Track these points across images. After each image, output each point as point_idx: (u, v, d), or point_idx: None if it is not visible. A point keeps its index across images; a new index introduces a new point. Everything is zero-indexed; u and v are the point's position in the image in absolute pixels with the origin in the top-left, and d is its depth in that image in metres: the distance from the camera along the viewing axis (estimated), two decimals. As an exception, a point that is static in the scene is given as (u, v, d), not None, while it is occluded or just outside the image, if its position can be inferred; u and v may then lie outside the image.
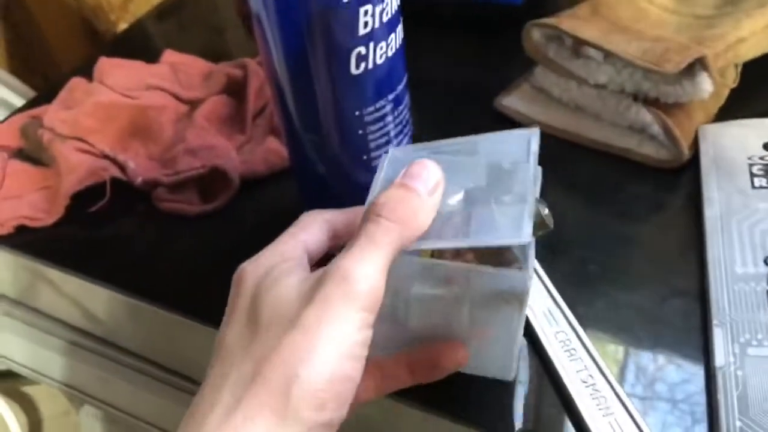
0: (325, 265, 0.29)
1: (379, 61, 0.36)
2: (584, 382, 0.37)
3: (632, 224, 0.47)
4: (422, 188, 0.29)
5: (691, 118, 0.49)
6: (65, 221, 0.52)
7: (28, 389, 0.90)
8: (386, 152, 0.34)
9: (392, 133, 0.39)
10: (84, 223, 0.52)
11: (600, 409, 0.35)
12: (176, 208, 0.52)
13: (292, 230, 0.33)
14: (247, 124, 0.55)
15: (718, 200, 0.45)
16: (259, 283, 0.30)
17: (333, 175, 0.41)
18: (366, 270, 0.27)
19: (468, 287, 0.32)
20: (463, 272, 0.32)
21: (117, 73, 0.56)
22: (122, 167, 0.53)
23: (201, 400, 0.28)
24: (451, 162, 0.32)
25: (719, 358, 0.37)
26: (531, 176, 0.31)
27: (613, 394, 0.36)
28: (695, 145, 0.49)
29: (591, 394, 0.36)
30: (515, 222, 0.29)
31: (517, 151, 0.32)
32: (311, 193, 0.46)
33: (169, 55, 0.59)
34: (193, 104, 0.56)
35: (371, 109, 0.37)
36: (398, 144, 0.40)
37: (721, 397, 0.35)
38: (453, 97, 0.59)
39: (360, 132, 0.38)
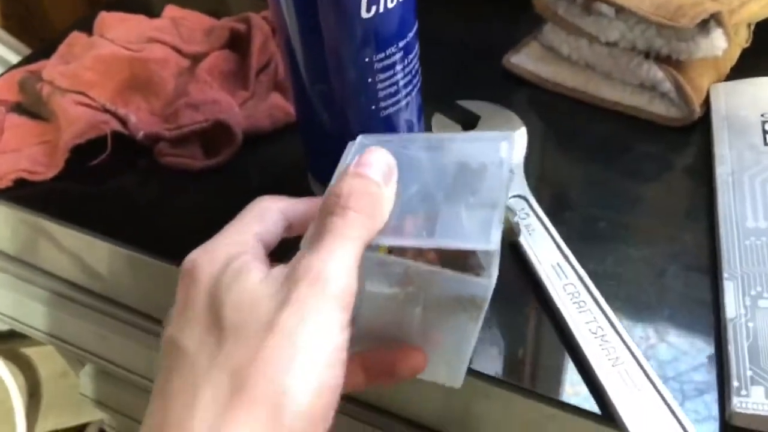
0: (280, 258, 0.28)
1: (390, 5, 0.35)
2: (593, 333, 0.36)
3: (642, 183, 0.47)
4: (378, 177, 0.28)
5: (702, 77, 0.49)
6: (65, 175, 0.52)
7: (26, 350, 0.90)
8: (352, 141, 0.33)
9: (401, 83, 0.38)
10: (84, 177, 0.52)
11: (609, 359, 0.35)
12: (179, 162, 0.51)
13: (245, 219, 0.31)
14: (250, 80, 0.54)
15: (729, 157, 0.45)
16: (216, 279, 0.27)
17: (340, 127, 0.40)
18: (339, 268, 0.26)
19: (424, 289, 0.30)
20: (425, 273, 0.29)
21: (118, 27, 0.55)
22: (123, 121, 0.52)
23: (168, 418, 0.25)
24: (418, 159, 0.31)
25: (730, 311, 0.37)
26: (503, 182, 0.30)
27: (623, 345, 0.36)
28: (706, 104, 0.49)
29: (600, 345, 0.36)
30: (484, 227, 0.28)
31: (489, 154, 0.31)
32: (316, 147, 0.45)
33: (171, 10, 0.58)
34: (195, 59, 0.55)
35: (381, 55, 0.36)
36: (408, 93, 0.40)
37: (731, 348, 0.35)
38: (461, 56, 0.58)
39: (369, 80, 0.37)
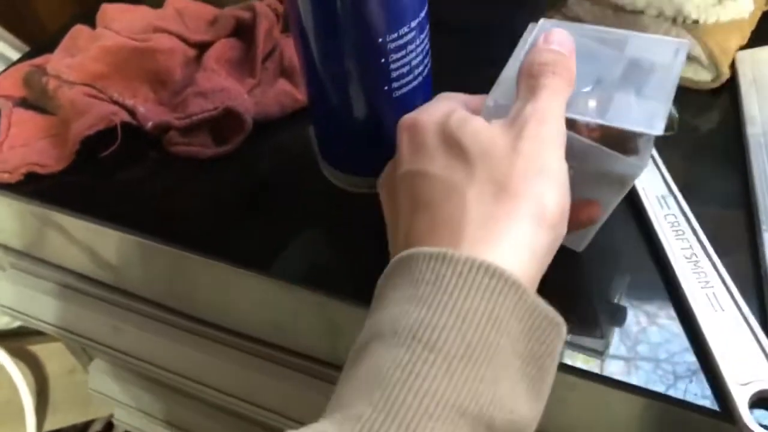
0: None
1: None
2: (687, 258, 0.40)
3: (673, 147, 0.47)
4: (567, 53, 0.33)
5: (729, 40, 0.50)
6: (75, 168, 0.52)
7: (34, 348, 0.90)
8: (533, 23, 0.37)
9: (414, 63, 0.39)
10: (95, 169, 0.52)
11: (699, 282, 0.39)
12: (190, 151, 0.51)
13: (440, 99, 0.35)
14: (256, 67, 0.54)
15: (759, 119, 0.47)
16: (442, 124, 0.31)
17: (353, 110, 0.41)
18: (558, 114, 0.31)
19: (582, 161, 0.34)
20: (588, 148, 0.34)
21: (122, 18, 0.55)
22: (132, 112, 0.53)
23: (436, 218, 0.29)
24: (595, 48, 0.36)
25: None
26: (672, 81, 0.34)
27: (715, 272, 0.39)
28: (732, 68, 0.51)
29: (692, 269, 0.39)
30: (652, 114, 0.33)
31: (660, 54, 0.35)
32: (328, 131, 0.45)
33: (174, 1, 0.58)
34: (201, 47, 0.55)
35: (395, 35, 0.37)
36: (420, 74, 0.40)
37: None
38: (480, 36, 0.58)
39: (383, 60, 0.37)
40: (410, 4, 0.36)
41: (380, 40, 0.37)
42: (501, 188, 0.29)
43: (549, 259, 0.30)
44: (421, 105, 0.34)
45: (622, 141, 0.35)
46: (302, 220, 0.47)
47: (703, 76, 0.51)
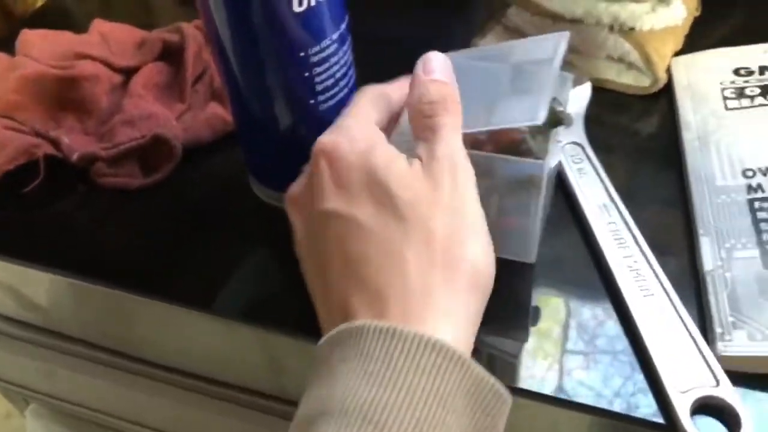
0: None
1: None
2: (629, 267, 0.39)
3: (613, 152, 0.48)
4: (448, 79, 0.33)
5: (665, 45, 0.51)
6: (-3, 204, 0.49)
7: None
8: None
9: (338, 75, 0.38)
10: (18, 205, 0.49)
11: (641, 290, 0.38)
12: (117, 182, 0.49)
13: (361, 105, 0.33)
14: (186, 91, 0.52)
15: (694, 123, 0.47)
16: (367, 163, 0.30)
17: (279, 125, 0.40)
18: (462, 152, 0.32)
19: (496, 178, 0.36)
20: (497, 161, 0.36)
21: (42, 44, 0.53)
22: (56, 143, 0.50)
23: (379, 282, 0.29)
24: (480, 68, 0.37)
25: (708, 263, 0.39)
26: (551, 72, 0.35)
27: (656, 279, 0.38)
28: (669, 75, 0.52)
29: (634, 277, 0.39)
30: (532, 107, 0.33)
31: (543, 51, 0.36)
32: (256, 148, 0.44)
33: (99, 25, 0.56)
34: (127, 73, 0.53)
35: (316, 48, 0.36)
36: (345, 86, 0.39)
37: (712, 298, 0.37)
38: (417, 47, 0.57)
39: (306, 74, 0.36)
40: (330, 16, 0.35)
41: (302, 53, 0.35)
42: (436, 256, 0.29)
43: (480, 318, 0.31)
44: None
45: (516, 144, 0.36)
46: (237, 248, 0.45)
47: (642, 82, 0.52)
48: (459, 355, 0.27)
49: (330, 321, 0.30)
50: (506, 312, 0.40)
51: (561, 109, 0.36)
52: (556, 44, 0.36)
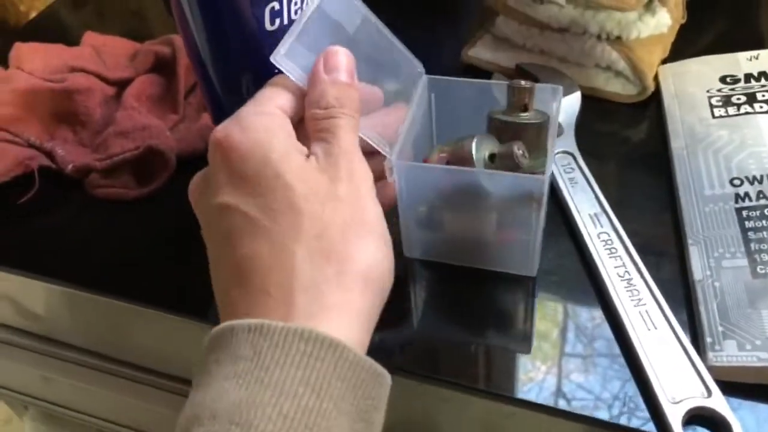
0: None
1: (294, 16, 0.35)
2: (621, 276, 0.40)
3: (603, 161, 0.48)
4: (350, 79, 0.33)
5: (652, 53, 0.52)
6: (-7, 217, 0.49)
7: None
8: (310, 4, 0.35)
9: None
10: (14, 217, 0.50)
11: (632, 300, 0.38)
12: (112, 193, 0.49)
13: (265, 93, 0.33)
14: (179, 103, 0.52)
15: (682, 132, 0.47)
16: (264, 155, 0.30)
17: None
18: (359, 153, 0.32)
19: (495, 194, 0.37)
20: (487, 177, 0.37)
21: (36, 58, 0.53)
22: (51, 155, 0.50)
23: (268, 278, 0.28)
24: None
25: (697, 273, 0.39)
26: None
27: (647, 289, 0.39)
28: (657, 83, 0.52)
29: (626, 287, 0.39)
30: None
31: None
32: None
33: (90, 38, 0.56)
34: (120, 85, 0.54)
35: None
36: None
37: (702, 308, 0.38)
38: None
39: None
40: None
41: (276, 70, 0.35)
42: (329, 249, 0.29)
43: (377, 315, 0.30)
44: None
45: (510, 162, 0.37)
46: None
47: (630, 90, 0.52)
48: (330, 340, 0.26)
49: (222, 318, 0.30)
50: (510, 323, 0.41)
51: (521, 151, 0.37)
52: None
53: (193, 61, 0.38)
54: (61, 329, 0.53)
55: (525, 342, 0.39)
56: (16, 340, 0.55)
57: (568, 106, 0.49)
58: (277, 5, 0.35)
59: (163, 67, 0.54)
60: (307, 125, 0.32)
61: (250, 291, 0.29)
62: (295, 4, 0.35)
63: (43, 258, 0.47)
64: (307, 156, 0.31)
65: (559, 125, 0.47)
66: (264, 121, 0.31)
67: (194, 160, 0.51)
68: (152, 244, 0.47)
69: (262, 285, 0.28)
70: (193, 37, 0.36)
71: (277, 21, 0.35)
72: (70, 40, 0.58)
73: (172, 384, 0.52)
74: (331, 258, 0.29)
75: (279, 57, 0.33)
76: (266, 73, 0.36)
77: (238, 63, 0.36)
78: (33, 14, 0.72)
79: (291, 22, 0.35)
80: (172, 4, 0.36)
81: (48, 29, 0.66)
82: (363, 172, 0.31)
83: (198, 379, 0.28)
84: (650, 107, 0.51)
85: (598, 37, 0.51)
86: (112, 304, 0.45)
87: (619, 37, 0.51)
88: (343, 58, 0.33)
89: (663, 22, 0.50)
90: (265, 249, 0.29)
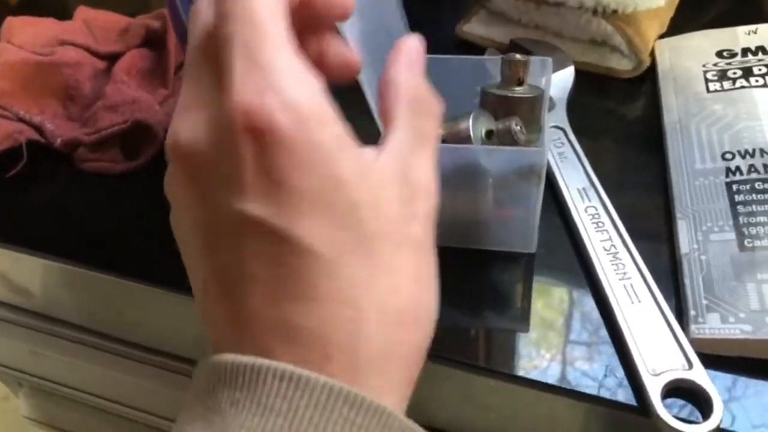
0: None
1: None
2: (606, 250, 0.39)
3: (596, 137, 0.47)
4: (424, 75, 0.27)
5: (648, 28, 0.51)
6: (-20, 191, 0.50)
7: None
8: None
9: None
10: (3, 190, 0.49)
11: (617, 274, 0.38)
12: (100, 167, 0.49)
13: (285, 39, 0.22)
14: (169, 78, 0.52)
15: (676, 107, 0.47)
16: (320, 142, 0.21)
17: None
18: (434, 179, 0.25)
19: (493, 170, 0.36)
20: (485, 152, 0.36)
21: (26, 31, 0.53)
22: (40, 129, 0.50)
23: (330, 335, 0.22)
24: None
25: (684, 247, 0.39)
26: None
27: (633, 263, 0.38)
28: (653, 55, 0.51)
29: (611, 261, 0.39)
30: None
31: None
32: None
33: (82, 12, 0.56)
34: (111, 59, 0.53)
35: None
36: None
37: (687, 281, 0.37)
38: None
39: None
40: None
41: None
42: (401, 312, 0.23)
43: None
44: None
45: (509, 137, 0.37)
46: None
47: (625, 65, 0.51)
48: (377, 406, 0.21)
49: (219, 332, 0.24)
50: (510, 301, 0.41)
51: (518, 127, 0.36)
52: None
53: (178, 37, 0.37)
54: (52, 304, 0.53)
55: (524, 321, 0.39)
56: (8, 316, 0.55)
57: (561, 80, 0.49)
58: None
59: (154, 41, 0.54)
60: (388, 104, 0.26)
61: (294, 343, 0.22)
62: None
63: (34, 232, 0.47)
64: (375, 153, 0.24)
65: (551, 99, 0.46)
66: (309, 89, 0.22)
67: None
68: (143, 219, 0.47)
69: (320, 344, 0.22)
70: (179, 13, 0.36)
71: None
72: (67, 16, 0.58)
73: (164, 360, 0.52)
74: (401, 325, 0.23)
75: None
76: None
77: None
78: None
79: None
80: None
81: (46, 4, 0.66)
82: (434, 205, 0.25)
83: (201, 412, 0.22)
84: (646, 82, 0.51)
85: (594, 11, 0.50)
86: (104, 279, 0.45)
87: (615, 11, 0.50)
88: (421, 56, 0.27)
89: (659, -5, 0.49)
90: (323, 295, 0.22)
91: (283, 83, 0.21)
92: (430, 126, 0.26)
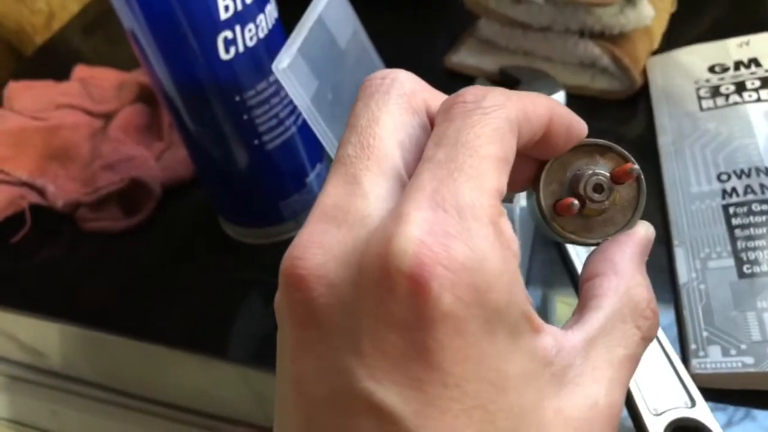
0: None
1: (249, 44, 0.34)
2: None
3: None
4: None
5: (637, 47, 0.50)
6: (-13, 256, 0.51)
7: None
8: None
9: (282, 115, 0.37)
10: (8, 255, 0.50)
11: None
12: (100, 226, 0.50)
13: (489, 177, 0.17)
14: (164, 130, 0.53)
15: (670, 127, 0.46)
16: (484, 326, 0.16)
17: (230, 167, 0.40)
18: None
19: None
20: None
21: (25, 96, 0.55)
22: (42, 192, 0.51)
23: None
24: None
25: (683, 276, 0.38)
26: None
27: None
28: (645, 75, 0.50)
29: None
30: None
31: None
32: (215, 191, 0.44)
33: (80, 71, 0.57)
34: (107, 117, 0.54)
35: (252, 92, 0.35)
36: (293, 123, 0.39)
37: (687, 312, 0.36)
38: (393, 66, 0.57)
39: (245, 117, 0.36)
40: (264, 60, 0.35)
41: (237, 98, 0.35)
42: None
43: None
44: (309, 148, 0.35)
45: None
46: (217, 287, 0.46)
47: (617, 86, 0.50)
48: None
49: None
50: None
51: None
52: None
53: (159, 95, 0.38)
54: (60, 363, 0.54)
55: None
56: (21, 374, 0.56)
57: None
58: (230, 34, 0.34)
59: (148, 95, 0.55)
60: (617, 307, 0.21)
61: None
62: (250, 31, 0.34)
63: (39, 294, 0.48)
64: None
65: None
66: (504, 253, 0.17)
67: (181, 187, 0.51)
68: (145, 275, 0.48)
69: None
70: (156, 73, 0.36)
71: (232, 50, 0.34)
72: (82, 62, 0.59)
73: (175, 413, 0.53)
74: None
75: (282, 70, 0.29)
76: (226, 102, 0.36)
77: (202, 94, 0.36)
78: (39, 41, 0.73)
79: (248, 48, 0.35)
80: (130, 41, 0.36)
81: (57, 57, 0.67)
82: None
83: None
84: (640, 102, 0.50)
85: (581, 34, 0.50)
86: (106, 339, 0.46)
87: (601, 33, 0.49)
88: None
89: (645, 14, 0.48)
90: None
91: (475, 236, 0.16)
92: (645, 333, 0.21)
